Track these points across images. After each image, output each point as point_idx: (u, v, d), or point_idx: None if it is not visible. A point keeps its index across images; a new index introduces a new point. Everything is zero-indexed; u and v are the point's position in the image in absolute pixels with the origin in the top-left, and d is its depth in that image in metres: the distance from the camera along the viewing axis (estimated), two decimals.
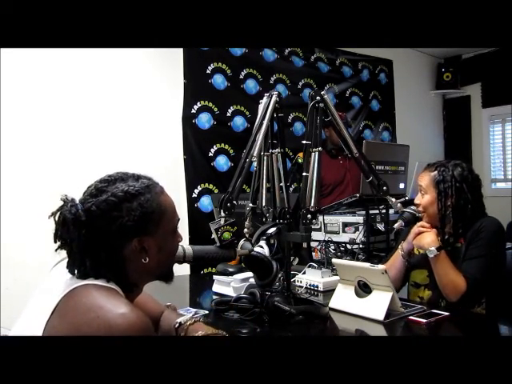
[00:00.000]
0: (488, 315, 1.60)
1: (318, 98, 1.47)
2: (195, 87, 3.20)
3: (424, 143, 4.76)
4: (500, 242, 1.64)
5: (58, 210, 0.93)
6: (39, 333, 0.88)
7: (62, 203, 0.94)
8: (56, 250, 0.94)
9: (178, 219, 1.07)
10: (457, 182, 1.61)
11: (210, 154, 3.27)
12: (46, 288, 0.97)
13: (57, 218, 0.93)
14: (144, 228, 0.96)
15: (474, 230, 1.60)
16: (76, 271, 0.94)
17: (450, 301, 1.56)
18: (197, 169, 3.18)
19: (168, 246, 1.04)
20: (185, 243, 1.28)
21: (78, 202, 0.95)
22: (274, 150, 1.53)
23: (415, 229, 1.65)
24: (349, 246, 2.27)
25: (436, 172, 1.65)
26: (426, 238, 1.59)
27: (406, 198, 1.83)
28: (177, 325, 1.14)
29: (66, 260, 0.98)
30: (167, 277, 1.09)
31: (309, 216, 1.38)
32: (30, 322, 0.92)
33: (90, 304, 0.88)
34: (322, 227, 2.40)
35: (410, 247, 1.68)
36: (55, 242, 0.94)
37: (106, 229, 0.93)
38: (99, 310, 0.86)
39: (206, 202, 3.19)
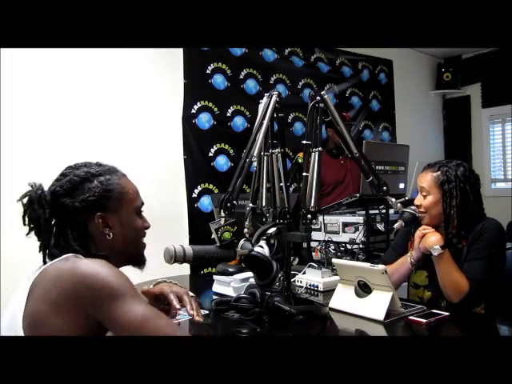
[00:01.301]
0: (487, 315, 1.60)
1: (318, 98, 1.47)
2: (195, 87, 3.20)
3: (424, 143, 4.76)
4: (501, 243, 1.64)
5: (25, 194, 1.02)
6: (19, 321, 0.91)
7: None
8: (27, 234, 1.00)
9: (142, 203, 1.13)
10: (461, 183, 1.61)
11: (210, 154, 3.26)
12: (21, 287, 1.00)
13: (24, 201, 1.01)
14: (105, 204, 1.04)
15: (476, 232, 1.60)
16: (46, 251, 1.00)
17: (452, 301, 1.56)
18: (197, 169, 3.18)
19: (132, 224, 1.09)
20: (185, 243, 1.28)
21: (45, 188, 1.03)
22: (274, 150, 1.53)
23: (418, 233, 1.64)
24: (349, 246, 2.27)
25: (439, 172, 1.64)
26: (431, 238, 1.58)
27: (406, 198, 1.82)
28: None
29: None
30: (138, 260, 1.13)
31: (309, 216, 1.38)
32: (9, 317, 0.96)
33: (57, 272, 0.93)
34: (322, 227, 2.40)
35: (419, 254, 1.66)
36: (24, 224, 1.00)
37: (69, 206, 1.01)
38: (65, 271, 0.92)
39: (206, 202, 3.19)
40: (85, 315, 0.90)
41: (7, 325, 0.94)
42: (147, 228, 1.14)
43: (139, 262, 1.13)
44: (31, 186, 1.02)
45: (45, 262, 0.99)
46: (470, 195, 1.61)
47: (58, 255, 0.97)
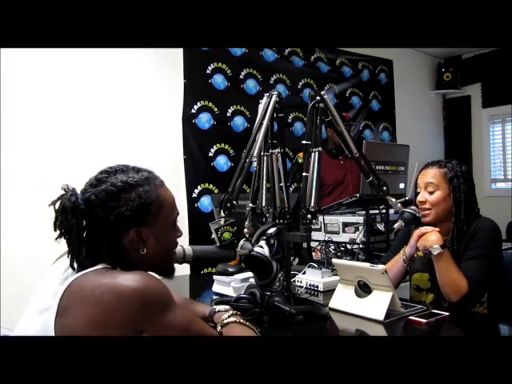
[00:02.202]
0: (490, 315, 1.60)
1: (317, 98, 1.47)
2: (195, 87, 3.20)
3: (424, 143, 4.76)
4: (497, 242, 1.65)
5: (58, 199, 0.95)
6: (50, 331, 0.89)
7: (62, 192, 0.96)
8: (56, 238, 0.95)
9: (178, 213, 1.08)
10: (465, 180, 1.65)
11: (210, 154, 3.27)
12: (47, 284, 0.98)
13: (56, 207, 0.95)
14: (142, 219, 0.98)
15: (471, 231, 1.62)
16: (75, 260, 0.95)
17: (450, 301, 1.56)
18: (197, 169, 3.19)
19: (167, 238, 1.05)
20: (185, 243, 1.28)
21: (78, 191, 0.97)
22: (274, 150, 1.53)
23: (417, 231, 1.64)
24: (349, 246, 2.27)
25: (446, 169, 1.67)
26: (431, 237, 1.58)
27: (406, 198, 1.82)
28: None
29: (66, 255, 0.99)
30: (168, 271, 1.10)
31: (309, 216, 1.38)
32: (36, 321, 0.93)
33: (96, 288, 0.89)
34: (322, 227, 2.40)
35: (413, 251, 1.66)
36: (55, 230, 0.95)
37: (104, 218, 0.95)
38: (103, 287, 0.89)
39: (206, 202, 3.19)
40: (131, 329, 0.89)
41: (35, 331, 0.92)
42: (179, 237, 1.11)
43: (169, 272, 1.11)
44: (64, 190, 0.96)
45: (72, 267, 0.96)
46: (471, 192, 1.66)
47: (88, 266, 0.95)
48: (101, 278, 0.91)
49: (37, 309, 0.95)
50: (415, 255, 1.72)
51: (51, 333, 0.89)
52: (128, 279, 0.89)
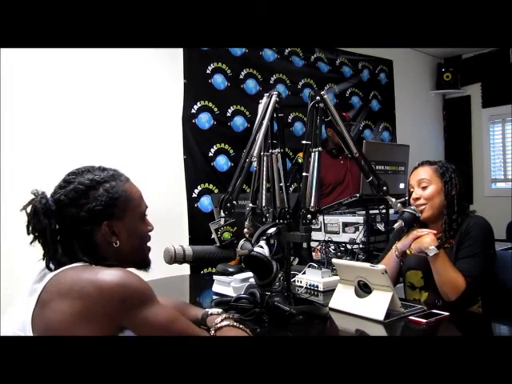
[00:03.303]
0: (485, 314, 1.61)
1: (317, 98, 1.47)
2: (195, 87, 3.20)
3: (424, 143, 4.76)
4: (491, 239, 1.67)
5: (29, 203, 0.98)
6: (28, 328, 0.90)
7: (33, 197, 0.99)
8: (31, 242, 0.98)
9: (146, 207, 1.13)
10: (455, 176, 1.70)
11: (210, 154, 3.27)
12: (29, 284, 0.99)
13: (28, 211, 0.98)
14: (111, 212, 1.02)
15: (463, 230, 1.63)
16: (51, 260, 0.97)
17: (449, 300, 1.56)
18: (197, 169, 3.19)
19: (137, 231, 1.09)
20: (185, 243, 1.28)
21: (48, 195, 1.00)
22: (273, 150, 1.53)
23: (415, 233, 1.65)
24: (349, 246, 2.27)
25: (436, 166, 1.73)
26: (425, 239, 1.60)
27: (406, 198, 1.83)
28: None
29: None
30: (144, 264, 1.13)
31: (309, 216, 1.38)
32: (15, 320, 0.94)
33: (76, 282, 0.91)
34: (322, 227, 2.40)
35: (405, 248, 1.69)
36: (28, 234, 0.98)
37: (75, 216, 0.99)
38: (85, 281, 0.91)
39: (206, 202, 3.20)
40: (113, 324, 0.91)
41: (14, 329, 0.93)
42: (150, 231, 1.14)
43: (145, 265, 1.14)
44: (34, 194, 0.99)
45: (49, 268, 0.97)
46: (462, 188, 1.69)
47: (67, 263, 0.96)
48: (81, 273, 0.93)
49: (16, 307, 0.96)
50: (408, 252, 1.74)
51: (29, 327, 0.90)
52: (109, 274, 0.92)
